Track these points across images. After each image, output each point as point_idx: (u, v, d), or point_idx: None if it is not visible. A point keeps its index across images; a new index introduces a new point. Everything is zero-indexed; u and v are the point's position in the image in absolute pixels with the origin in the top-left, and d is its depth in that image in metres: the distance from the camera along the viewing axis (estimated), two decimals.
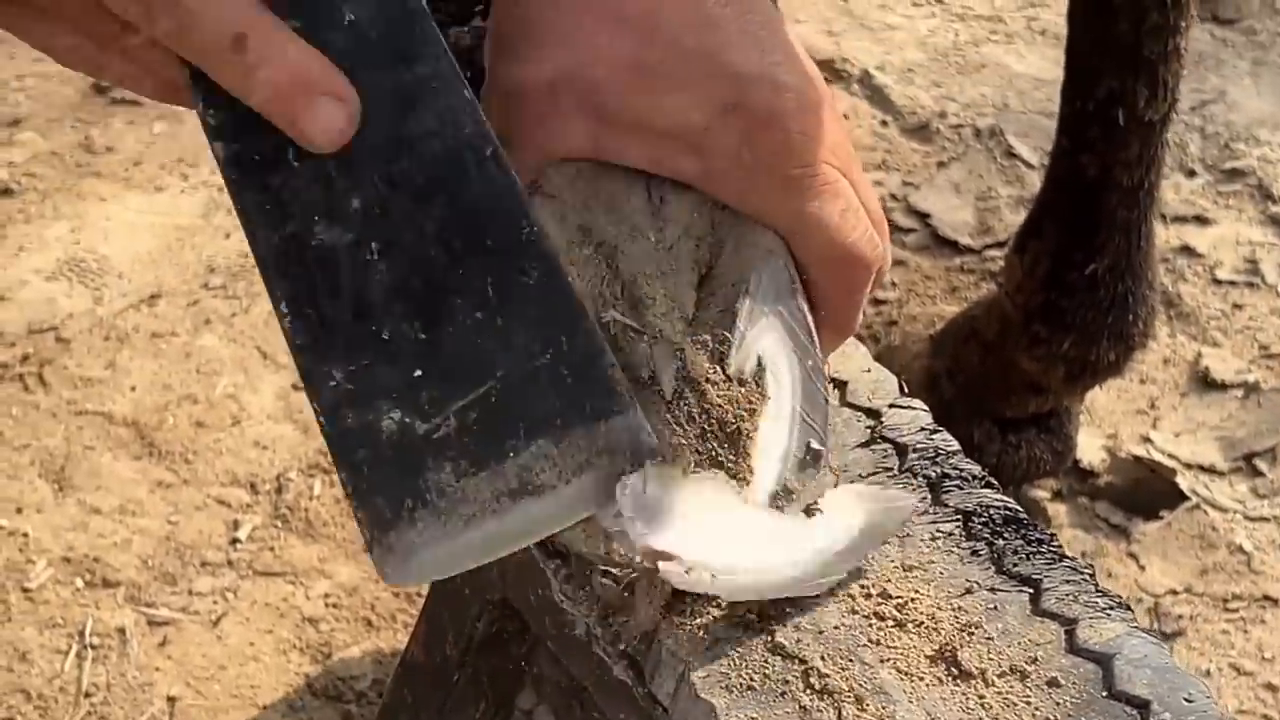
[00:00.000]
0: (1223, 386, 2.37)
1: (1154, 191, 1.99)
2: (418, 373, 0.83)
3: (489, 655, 1.14)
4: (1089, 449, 2.26)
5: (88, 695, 1.93)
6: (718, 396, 0.91)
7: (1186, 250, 2.59)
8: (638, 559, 0.86)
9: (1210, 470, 2.24)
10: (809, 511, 0.92)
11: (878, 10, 3.17)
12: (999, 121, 2.85)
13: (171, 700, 1.93)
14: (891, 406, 1.08)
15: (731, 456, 0.91)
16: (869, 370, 1.11)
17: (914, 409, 1.08)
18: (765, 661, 0.90)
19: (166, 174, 2.74)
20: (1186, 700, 0.89)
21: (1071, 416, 2.20)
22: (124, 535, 2.11)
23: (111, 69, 0.84)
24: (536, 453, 0.84)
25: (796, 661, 0.90)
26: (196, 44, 0.77)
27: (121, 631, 2.00)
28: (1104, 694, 0.90)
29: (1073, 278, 2.02)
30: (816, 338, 0.96)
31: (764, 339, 0.93)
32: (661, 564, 0.85)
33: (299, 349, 0.82)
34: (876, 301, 2.48)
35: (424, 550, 0.83)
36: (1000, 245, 2.54)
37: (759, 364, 0.93)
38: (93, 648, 1.98)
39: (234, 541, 2.11)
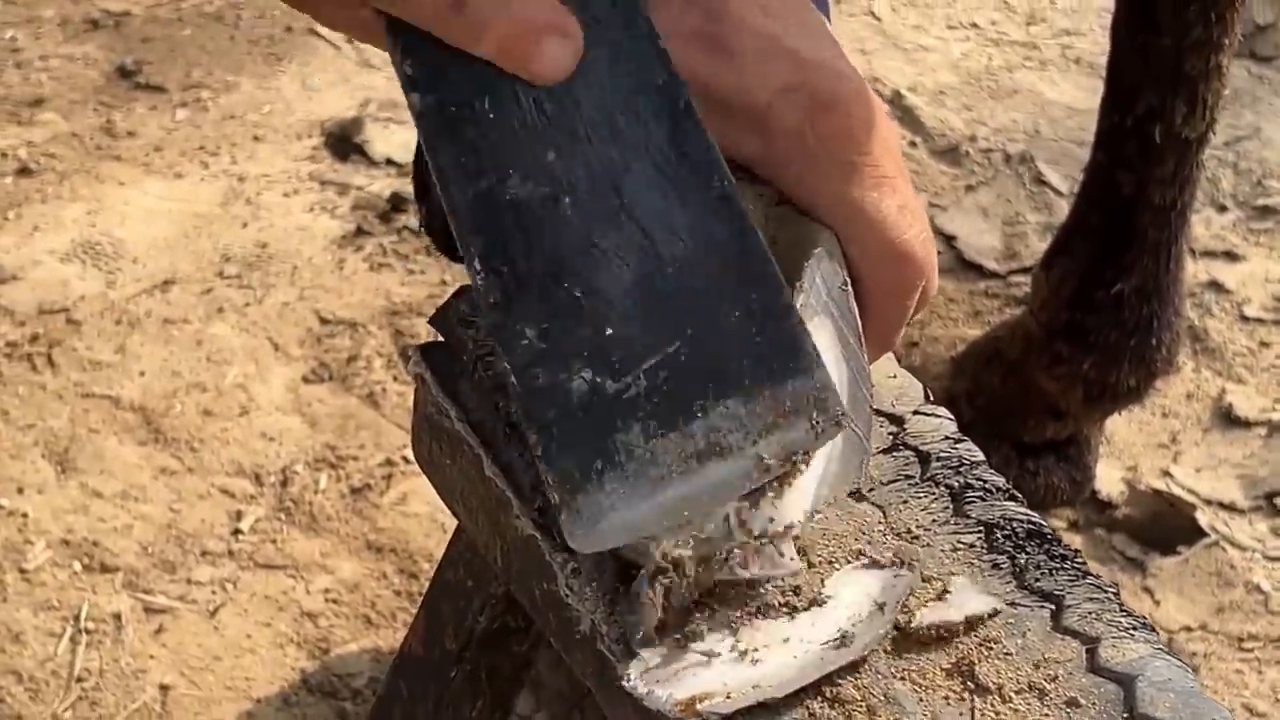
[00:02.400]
0: (1246, 424, 2.33)
1: (1186, 213, 1.96)
2: (610, 331, 0.81)
3: (489, 651, 1.11)
4: (1108, 480, 2.22)
5: (79, 680, 1.90)
6: None
7: (1215, 286, 2.56)
8: (675, 714, 0.83)
9: (1230, 508, 2.20)
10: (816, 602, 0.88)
11: (912, 31, 3.15)
12: (1030, 148, 2.82)
13: (164, 689, 1.90)
14: (915, 413, 1.05)
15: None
16: (894, 376, 1.08)
17: (938, 417, 1.05)
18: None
19: (187, 161, 2.72)
20: None
21: (1091, 446, 2.17)
22: (125, 521, 2.08)
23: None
24: (725, 413, 0.82)
25: None
26: (414, 10, 0.76)
27: (117, 617, 1.97)
28: (1125, 715, 0.87)
29: (1098, 297, 2.00)
30: (863, 338, 0.93)
31: (815, 338, 0.90)
32: (699, 705, 0.82)
33: (492, 306, 0.81)
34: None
35: (612, 514, 0.81)
36: (1026, 271, 2.51)
37: None
38: (87, 632, 1.95)
39: (236, 532, 2.08)
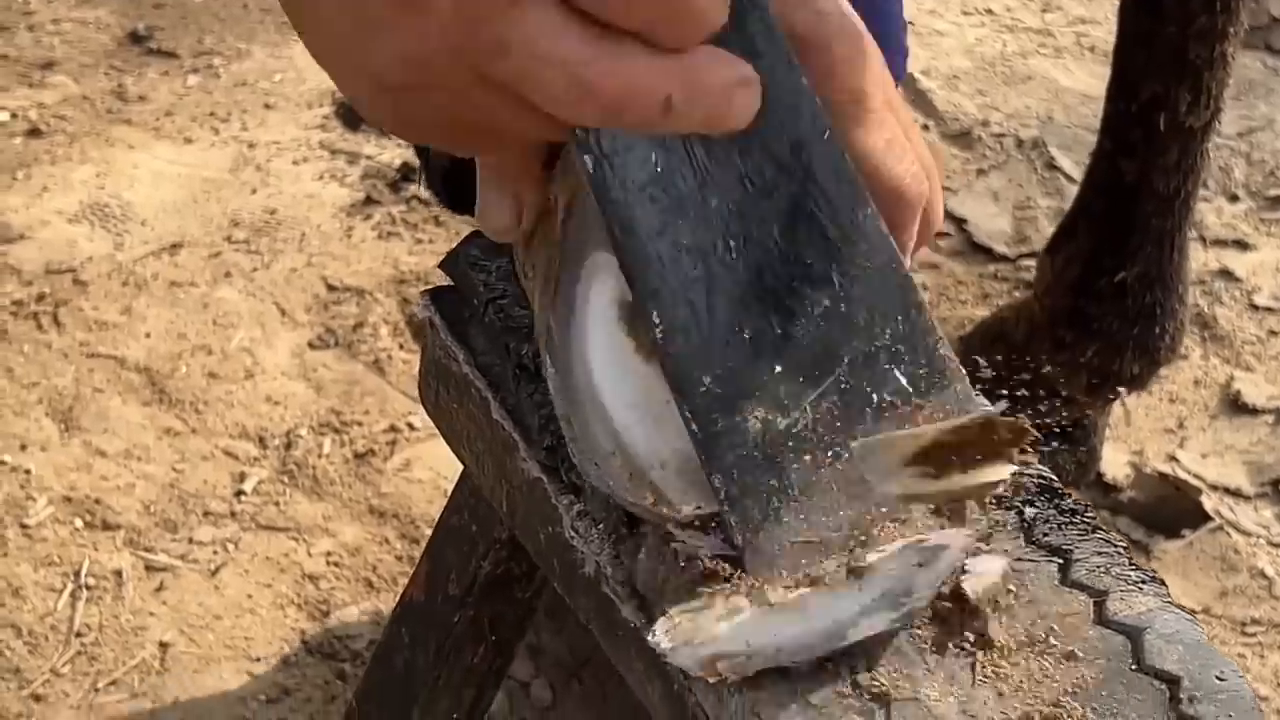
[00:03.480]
0: (1253, 411, 2.32)
1: (1190, 202, 1.95)
2: (778, 368, 0.84)
3: (492, 597, 1.11)
4: (1114, 463, 2.22)
5: (79, 635, 1.89)
6: None
7: (1225, 274, 2.55)
8: (699, 671, 0.82)
9: (1236, 493, 2.19)
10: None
11: (927, 16, 3.14)
12: (1042, 133, 2.82)
13: (163, 646, 1.89)
14: None
15: None
16: None
17: None
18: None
19: (197, 126, 2.71)
20: (1218, 679, 0.85)
21: (1097, 428, 2.16)
22: (127, 479, 2.08)
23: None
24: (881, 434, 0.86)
25: None
26: (628, 123, 0.73)
27: (118, 574, 1.96)
28: (1132, 667, 0.86)
29: (1102, 284, 1.98)
30: None
31: None
32: (719, 665, 0.82)
33: (671, 357, 0.83)
34: None
35: (790, 547, 0.84)
36: (1035, 255, 2.50)
37: None
38: (87, 588, 1.95)
39: (239, 494, 2.07)
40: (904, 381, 0.86)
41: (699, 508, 0.86)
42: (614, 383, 0.87)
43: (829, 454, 0.85)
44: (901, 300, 0.86)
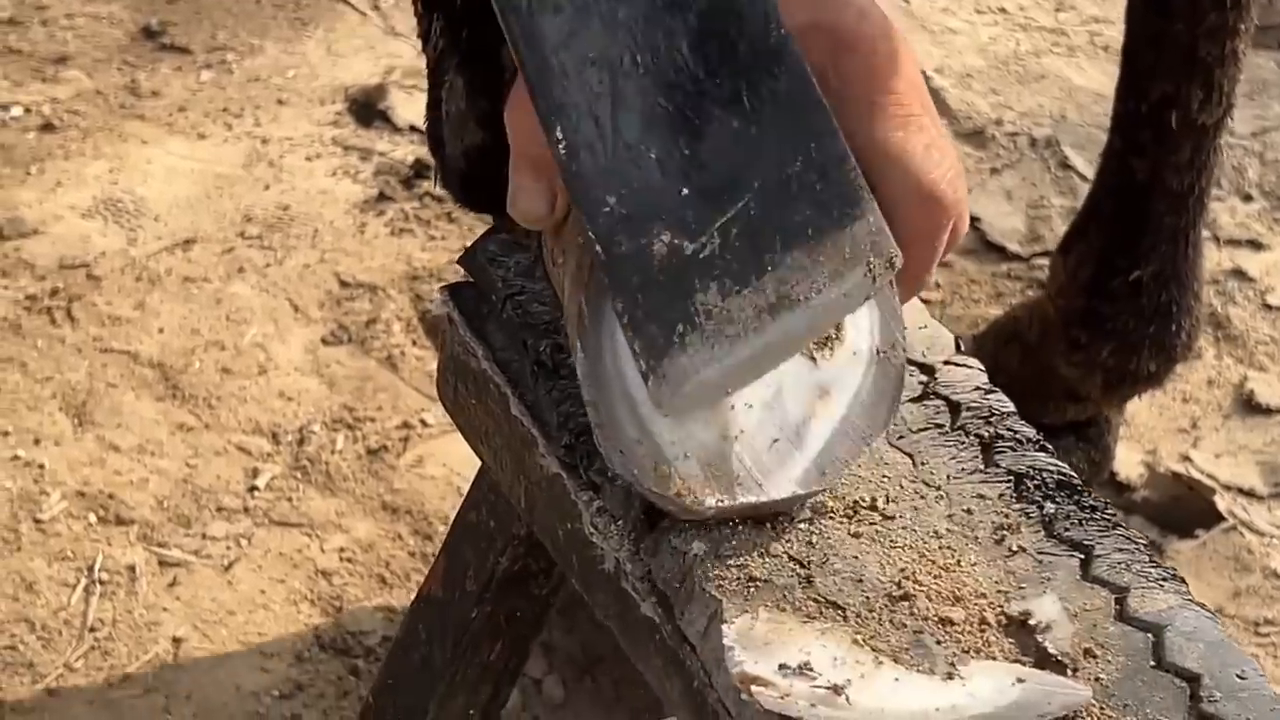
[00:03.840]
0: (1267, 411, 2.32)
1: (1204, 200, 1.94)
2: (684, 190, 0.82)
3: (510, 593, 1.11)
4: (1127, 463, 2.21)
5: (92, 630, 1.90)
6: None
7: (1238, 273, 2.55)
8: (735, 684, 0.82)
9: (1249, 494, 2.19)
10: (949, 675, 0.85)
11: (939, 14, 3.13)
12: (1056, 132, 2.81)
13: (177, 641, 1.89)
14: (946, 363, 1.05)
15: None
16: (924, 326, 1.08)
17: (969, 367, 1.05)
18: (803, 606, 0.86)
19: (210, 122, 2.71)
20: (1239, 677, 0.86)
21: (1111, 427, 2.15)
22: (141, 474, 2.08)
23: None
24: (792, 265, 0.83)
25: (835, 609, 0.87)
26: None
27: (131, 569, 1.96)
28: (1152, 664, 0.86)
29: (1116, 284, 1.97)
30: (896, 290, 0.92)
31: None
32: (754, 688, 0.81)
33: (574, 176, 0.81)
34: (920, 300, 2.43)
35: (695, 375, 0.83)
36: (1049, 254, 2.50)
37: None
38: (101, 583, 1.95)
39: (252, 489, 2.07)
40: (813, 212, 0.83)
41: (722, 501, 0.86)
42: None
43: (737, 283, 0.82)
44: (814, 127, 0.83)
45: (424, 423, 2.17)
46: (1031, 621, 0.87)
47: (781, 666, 0.81)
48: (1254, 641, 1.99)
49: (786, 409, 0.89)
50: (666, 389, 0.82)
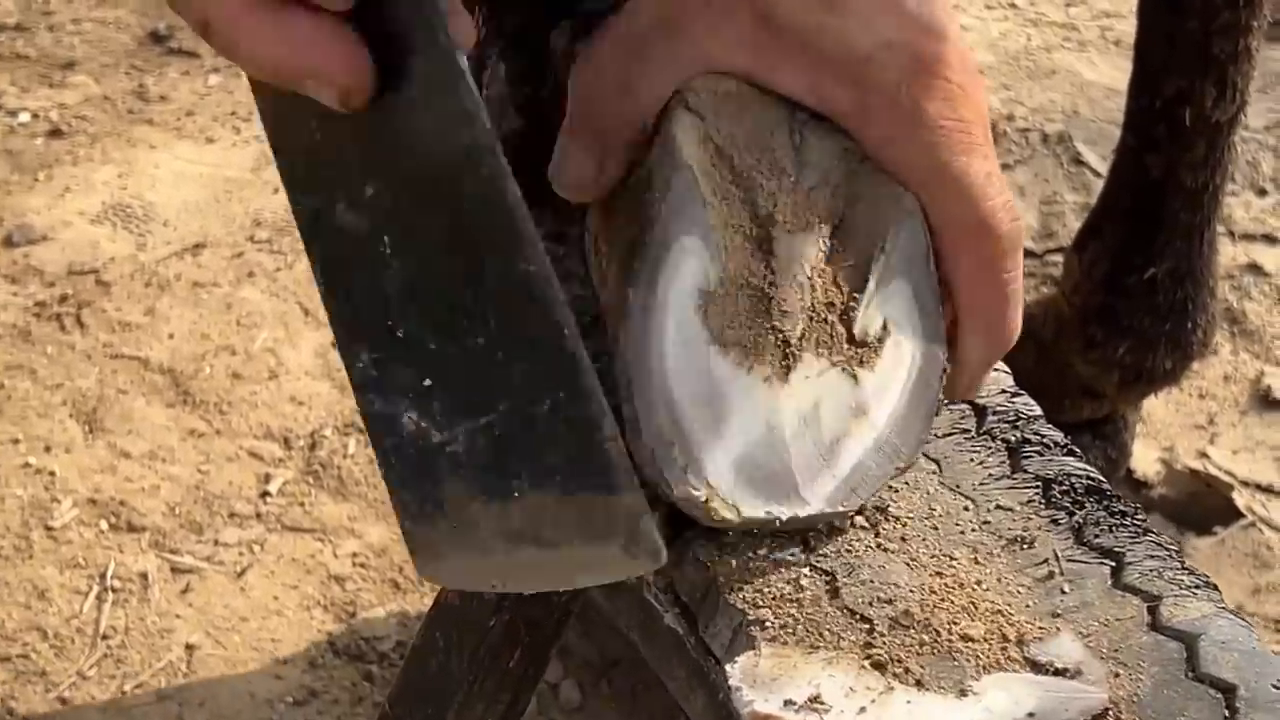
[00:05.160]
0: None
1: (1218, 196, 1.93)
2: (428, 381, 0.78)
3: (529, 601, 1.09)
4: (1144, 460, 2.20)
5: (105, 638, 1.89)
6: (836, 356, 0.86)
7: (1254, 268, 2.53)
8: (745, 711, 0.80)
9: (1268, 490, 2.18)
10: (962, 692, 0.84)
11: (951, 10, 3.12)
12: (1068, 128, 2.80)
13: (190, 648, 1.88)
14: None
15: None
16: None
17: (995, 370, 1.03)
18: (829, 619, 0.85)
19: (219, 126, 2.71)
20: (1274, 687, 0.84)
21: (1128, 424, 2.14)
22: (152, 481, 2.07)
23: None
24: (540, 503, 0.78)
25: (861, 620, 0.85)
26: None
27: (144, 576, 1.95)
28: (1188, 675, 0.84)
29: (1131, 281, 1.96)
30: (942, 312, 0.90)
31: (893, 302, 0.88)
32: None
33: (334, 317, 0.79)
34: None
35: (447, 559, 0.81)
36: (1062, 250, 2.48)
37: (884, 328, 0.88)
38: (113, 590, 1.94)
39: (264, 495, 2.06)
40: (562, 460, 0.77)
41: (751, 512, 0.85)
42: (684, 374, 0.85)
43: (484, 492, 0.78)
44: (566, 377, 0.76)
45: None
46: (1047, 662, 0.85)
47: (788, 702, 0.80)
48: (1275, 640, 1.98)
49: (822, 424, 0.87)
50: (421, 557, 0.81)
